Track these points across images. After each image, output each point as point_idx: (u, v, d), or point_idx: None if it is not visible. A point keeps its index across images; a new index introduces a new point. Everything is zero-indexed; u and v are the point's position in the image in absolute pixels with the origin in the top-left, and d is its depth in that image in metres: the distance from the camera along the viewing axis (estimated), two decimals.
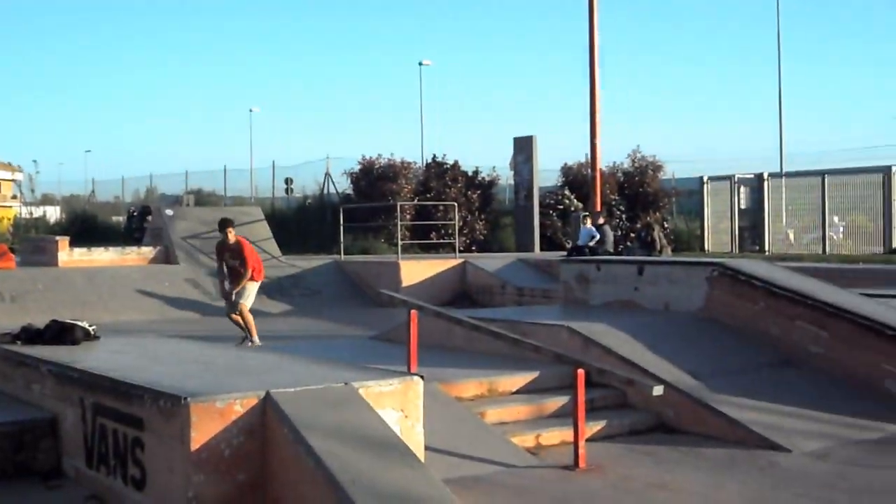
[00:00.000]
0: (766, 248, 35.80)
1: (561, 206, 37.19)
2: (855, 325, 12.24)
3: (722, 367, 11.95)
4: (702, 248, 37.27)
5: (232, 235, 17.10)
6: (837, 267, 23.20)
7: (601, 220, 28.24)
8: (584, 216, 29.90)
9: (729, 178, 38.06)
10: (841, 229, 35.64)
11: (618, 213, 37.03)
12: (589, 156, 32.19)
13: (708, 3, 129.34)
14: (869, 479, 9.15)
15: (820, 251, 33.77)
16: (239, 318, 16.88)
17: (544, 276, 25.83)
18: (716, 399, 10.99)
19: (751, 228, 37.10)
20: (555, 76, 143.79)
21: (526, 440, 10.20)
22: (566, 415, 10.23)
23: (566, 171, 40.13)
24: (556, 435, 10.35)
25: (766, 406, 11.07)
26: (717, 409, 10.81)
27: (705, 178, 38.84)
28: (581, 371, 9.52)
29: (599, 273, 15.32)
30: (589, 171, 32.48)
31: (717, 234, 38.12)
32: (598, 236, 27.04)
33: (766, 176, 37.26)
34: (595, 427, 10.55)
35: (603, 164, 34.69)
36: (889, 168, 33.54)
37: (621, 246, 31.31)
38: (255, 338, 16.68)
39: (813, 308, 12.63)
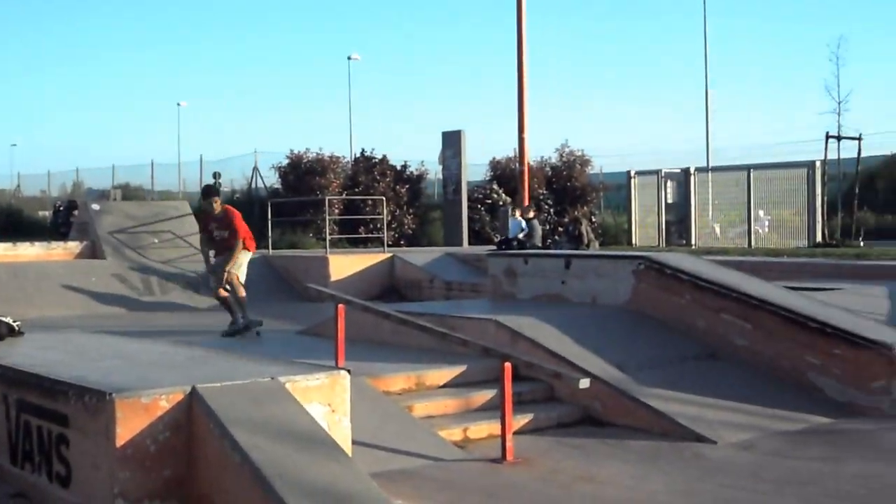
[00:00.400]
0: (693, 241, 36.04)
1: (489, 201, 37.26)
2: (779, 317, 12.39)
3: (648, 360, 12.04)
4: (629, 242, 37.47)
5: (217, 205, 15.72)
6: (762, 260, 23.40)
7: (531, 214, 28.29)
8: (513, 209, 30.00)
9: (656, 172, 38.26)
10: (766, 223, 35.98)
11: (546, 207, 37.16)
12: (517, 150, 32.27)
13: (636, 3, 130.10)
14: (792, 469, 9.25)
15: (746, 245, 34.06)
16: (227, 295, 15.45)
17: (473, 270, 25.84)
18: (642, 391, 11.08)
19: (677, 222, 37.33)
20: (483, 71, 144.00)
21: (453, 434, 10.21)
22: (494, 408, 10.26)
23: (494, 165, 40.27)
24: (484, 428, 10.36)
25: (691, 398, 11.18)
26: (644, 401, 10.90)
27: (632, 173, 39.05)
28: (508, 364, 9.54)
29: (527, 267, 15.37)
30: (517, 165, 32.57)
31: (645, 228, 38.33)
32: (527, 229, 27.11)
33: (692, 170, 37.50)
34: (523, 420, 10.59)
35: (531, 158, 34.82)
36: (813, 163, 33.90)
37: (549, 240, 31.45)
38: (247, 314, 15.54)
39: (738, 301, 12.76)
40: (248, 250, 15.65)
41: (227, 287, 15.36)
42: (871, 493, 8.53)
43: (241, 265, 15.50)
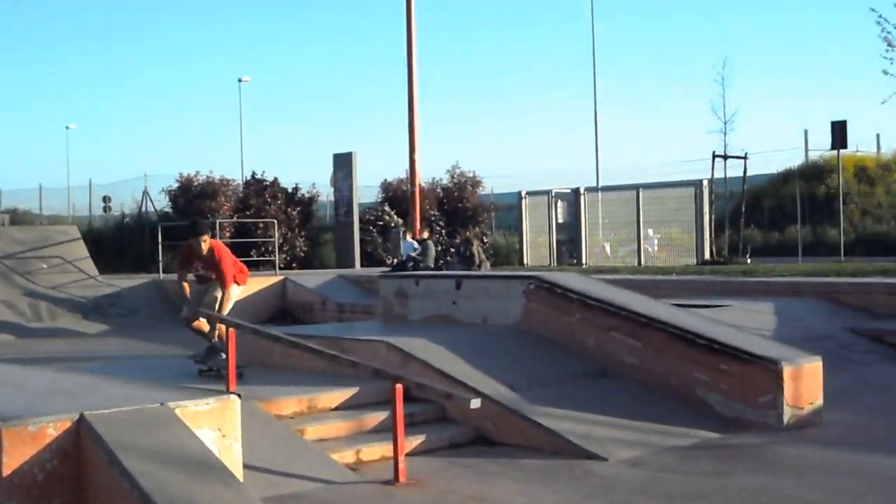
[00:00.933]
0: (584, 260, 36.38)
1: (381, 222, 37.27)
2: (667, 334, 12.54)
3: (539, 379, 12.12)
4: (521, 262, 37.71)
5: (206, 244, 13.29)
6: (652, 278, 23.69)
7: (425, 235, 28.39)
8: (405, 231, 30.07)
9: (546, 192, 38.58)
10: (655, 241, 36.43)
11: (438, 228, 37.25)
12: (408, 172, 32.36)
13: (524, 25, 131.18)
14: (681, 484, 9.37)
15: (636, 263, 34.47)
16: (203, 325, 13.39)
17: (365, 292, 25.87)
18: (533, 410, 11.14)
19: (568, 242, 37.68)
20: (375, 93, 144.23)
21: (346, 456, 10.19)
22: (386, 430, 10.26)
23: (386, 187, 40.27)
24: (377, 450, 10.36)
25: (582, 416, 11.26)
26: (535, 420, 10.96)
27: (523, 193, 39.33)
28: (399, 386, 9.56)
29: (418, 288, 15.40)
30: (409, 186, 32.68)
31: (536, 247, 38.61)
32: (420, 249, 27.20)
33: (582, 190, 37.87)
34: (415, 441, 10.59)
35: (423, 179, 35.00)
36: (701, 182, 34.39)
37: (441, 261, 31.53)
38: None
39: (627, 319, 12.91)
40: (238, 284, 13.57)
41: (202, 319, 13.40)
42: None
43: (231, 299, 13.44)
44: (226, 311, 13.13)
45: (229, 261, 13.50)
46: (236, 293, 13.54)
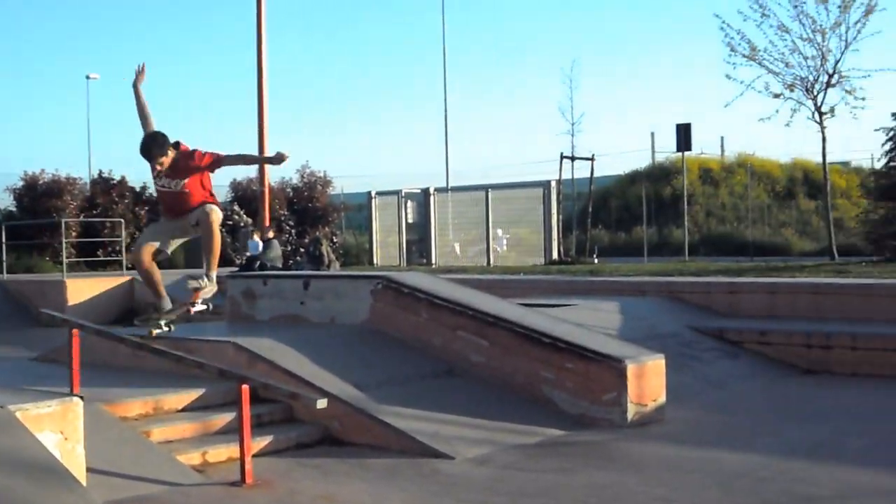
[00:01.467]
0: (434, 260, 36.60)
1: (230, 222, 36.97)
2: (514, 334, 12.68)
3: (387, 379, 12.15)
4: (371, 262, 37.80)
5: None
6: (500, 278, 23.93)
7: (270, 234, 28.25)
8: (252, 231, 29.92)
9: (396, 192, 38.71)
10: (504, 241, 36.80)
11: (287, 228, 37.14)
12: (258, 171, 32.18)
13: (375, 25, 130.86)
14: (526, 482, 9.47)
15: (485, 263, 34.78)
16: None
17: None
18: (381, 410, 11.16)
19: (418, 242, 37.88)
20: (224, 91, 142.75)
21: (192, 458, 10.09)
22: (233, 431, 10.17)
23: (235, 186, 39.98)
24: (224, 451, 10.27)
25: (430, 415, 11.31)
26: (382, 419, 10.98)
27: (373, 193, 39.42)
28: (245, 387, 9.51)
29: (266, 288, 15.32)
30: (258, 186, 32.47)
31: (386, 247, 38.75)
32: (262, 250, 27.08)
33: (432, 191, 38.10)
34: (262, 442, 10.55)
35: (272, 179, 34.83)
36: (548, 183, 34.87)
37: (291, 261, 31.42)
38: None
39: (474, 318, 13.02)
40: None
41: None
42: (601, 501, 8.78)
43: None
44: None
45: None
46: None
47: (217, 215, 11.09)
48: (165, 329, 12.06)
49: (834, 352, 15.88)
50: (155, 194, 12.66)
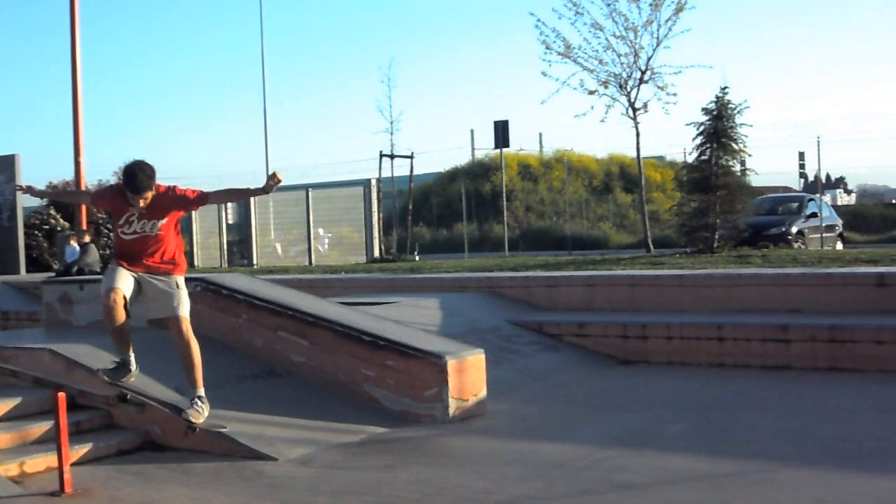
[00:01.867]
0: (255, 261, 36.39)
1: (47, 226, 36.30)
2: (335, 333, 12.70)
3: (209, 381, 12.01)
4: (192, 265, 37.39)
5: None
6: (322, 277, 23.89)
7: (87, 238, 27.77)
8: (69, 235, 29.40)
9: None
10: (326, 241, 36.78)
11: (106, 231, 36.54)
12: (74, 174, 31.62)
13: (196, 23, 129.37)
14: (350, 480, 9.51)
15: (306, 262, 34.70)
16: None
17: (30, 299, 25.17)
18: None
19: (239, 243, 37.67)
20: (41, 94, 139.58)
21: (9, 469, 9.87)
22: (51, 440, 9.99)
23: (52, 189, 39.20)
24: (42, 461, 10.08)
25: (252, 417, 11.27)
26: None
27: None
28: (62, 394, 9.35)
29: (83, 293, 15.07)
30: (75, 189, 31.90)
31: (207, 249, 38.44)
32: (77, 255, 26.65)
33: None
34: (82, 450, 10.38)
35: (90, 181, 34.18)
36: (368, 181, 34.96)
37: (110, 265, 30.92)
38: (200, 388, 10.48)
39: (294, 318, 13.01)
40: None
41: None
42: (424, 496, 8.85)
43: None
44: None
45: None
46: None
47: (187, 319, 10.20)
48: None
49: (650, 342, 16.25)
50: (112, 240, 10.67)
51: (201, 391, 10.16)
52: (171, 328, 10.16)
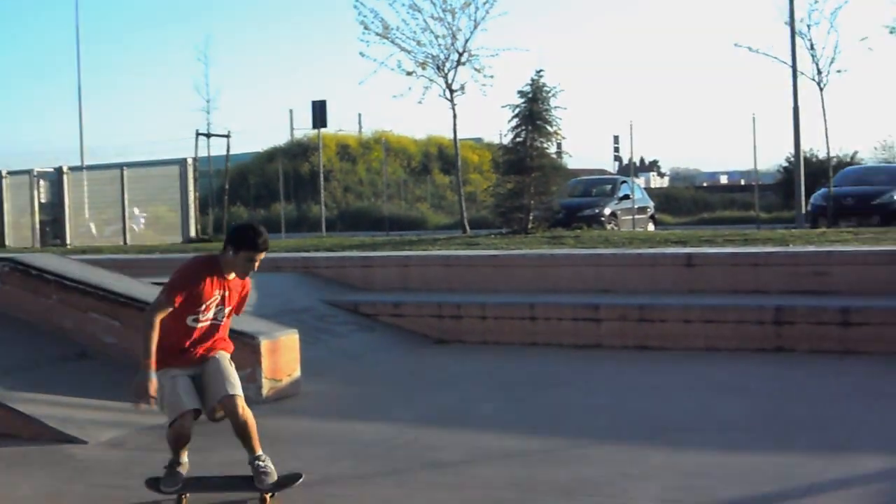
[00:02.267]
0: (69, 241, 35.72)
1: None
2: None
3: (17, 364, 11.85)
4: (2, 245, 36.54)
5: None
6: (136, 257, 23.61)
7: None
8: None
9: (28, 172, 37.55)
10: (142, 220, 36.31)
11: None
12: None
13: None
14: (161, 462, 9.41)
15: (121, 242, 34.19)
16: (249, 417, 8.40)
17: None
18: (10, 396, 10.83)
19: (52, 222, 36.89)
20: None
21: None
22: None
23: None
24: None
25: (62, 399, 11.12)
26: (10, 406, 10.66)
27: (4, 173, 38.08)
28: None
29: None
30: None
31: (19, 229, 37.56)
32: None
33: (65, 169, 37.11)
34: None
35: None
36: (185, 160, 34.56)
37: None
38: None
39: (105, 299, 12.85)
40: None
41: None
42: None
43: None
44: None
45: None
46: None
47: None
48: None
49: (464, 321, 16.45)
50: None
51: (261, 451, 8.30)
52: (230, 415, 8.39)
